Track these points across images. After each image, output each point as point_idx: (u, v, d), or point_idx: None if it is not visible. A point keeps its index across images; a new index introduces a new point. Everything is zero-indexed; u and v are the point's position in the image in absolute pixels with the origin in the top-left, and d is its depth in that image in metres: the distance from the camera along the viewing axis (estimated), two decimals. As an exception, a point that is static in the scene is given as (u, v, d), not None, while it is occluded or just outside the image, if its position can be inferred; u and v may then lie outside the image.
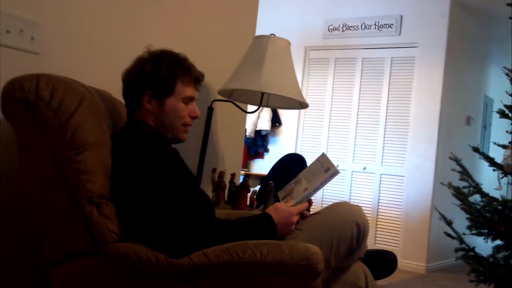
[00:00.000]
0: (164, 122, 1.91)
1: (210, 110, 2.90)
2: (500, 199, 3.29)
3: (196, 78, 1.97)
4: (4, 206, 1.99)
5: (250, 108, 3.29)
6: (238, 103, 2.99)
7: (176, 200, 1.68)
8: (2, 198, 1.99)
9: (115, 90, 2.03)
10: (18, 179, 1.79)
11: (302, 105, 2.92)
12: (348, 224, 1.88)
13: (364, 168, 6.04)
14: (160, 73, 1.87)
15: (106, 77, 2.23)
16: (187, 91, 1.93)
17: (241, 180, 3.23)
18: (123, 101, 1.98)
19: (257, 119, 6.53)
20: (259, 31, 3.19)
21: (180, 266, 1.59)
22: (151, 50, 1.94)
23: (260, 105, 2.87)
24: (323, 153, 2.07)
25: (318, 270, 1.60)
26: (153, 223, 1.65)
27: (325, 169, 1.96)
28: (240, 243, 1.63)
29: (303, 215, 1.92)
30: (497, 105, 3.72)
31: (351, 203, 2.03)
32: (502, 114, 3.47)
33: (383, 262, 2.65)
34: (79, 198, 1.64)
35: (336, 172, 1.94)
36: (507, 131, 3.61)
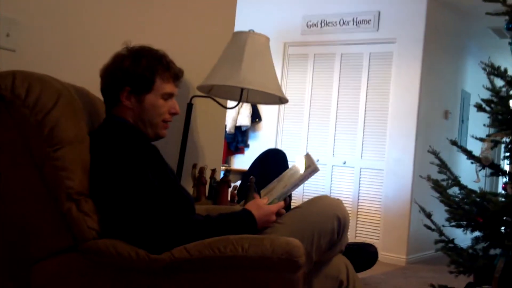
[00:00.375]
0: (143, 119, 1.90)
1: (190, 106, 2.90)
2: (478, 191, 3.32)
3: (176, 75, 1.96)
4: None
5: (230, 103, 3.29)
6: (217, 99, 2.99)
7: (155, 196, 1.68)
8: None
9: (93, 86, 2.02)
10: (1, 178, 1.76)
11: (282, 100, 2.92)
12: (329, 217, 1.89)
13: (344, 163, 6.08)
14: (139, 70, 1.86)
15: (84, 73, 2.21)
16: (166, 87, 1.92)
17: (221, 175, 3.22)
18: (101, 97, 1.96)
19: (237, 114, 6.53)
20: (238, 27, 3.19)
21: (161, 261, 1.59)
22: (130, 46, 1.93)
23: (239, 100, 2.87)
24: (308, 153, 2.08)
25: (299, 263, 1.60)
26: (132, 219, 1.65)
27: (306, 166, 1.98)
28: (222, 238, 1.64)
29: (279, 213, 1.93)
30: (474, 99, 3.75)
31: (331, 196, 2.04)
32: (479, 108, 3.50)
33: (364, 254, 2.67)
34: (58, 195, 1.64)
35: (315, 169, 1.95)
36: (484, 125, 3.66)
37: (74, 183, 1.65)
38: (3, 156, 1.70)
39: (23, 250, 1.73)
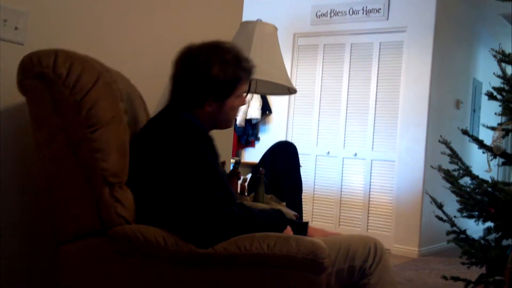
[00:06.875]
0: (219, 119, 1.95)
1: (198, 99, 2.88)
2: (490, 181, 3.29)
3: (251, 73, 2.00)
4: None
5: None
6: (226, 91, 2.97)
7: (201, 188, 1.66)
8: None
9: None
10: (37, 155, 1.74)
11: (290, 90, 2.90)
12: (367, 241, 1.91)
13: (355, 154, 6.05)
14: (227, 79, 1.88)
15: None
16: (244, 88, 1.96)
17: (231, 168, 3.22)
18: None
19: (247, 107, 6.51)
20: (246, 18, 3.16)
21: (187, 252, 1.59)
22: (207, 44, 1.92)
23: (248, 91, 2.85)
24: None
25: (324, 265, 1.59)
26: (176, 209, 1.64)
27: None
28: (247, 235, 1.63)
29: None
30: (486, 88, 3.71)
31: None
32: (491, 96, 3.46)
33: None
34: (93, 177, 1.63)
35: None
36: (495, 113, 3.61)
37: (109, 164, 1.64)
38: (40, 133, 1.70)
39: (52, 231, 1.73)
